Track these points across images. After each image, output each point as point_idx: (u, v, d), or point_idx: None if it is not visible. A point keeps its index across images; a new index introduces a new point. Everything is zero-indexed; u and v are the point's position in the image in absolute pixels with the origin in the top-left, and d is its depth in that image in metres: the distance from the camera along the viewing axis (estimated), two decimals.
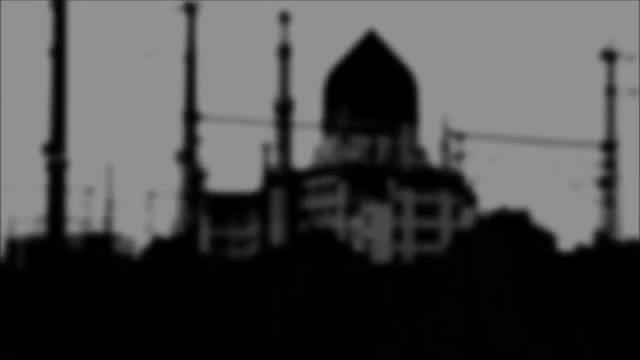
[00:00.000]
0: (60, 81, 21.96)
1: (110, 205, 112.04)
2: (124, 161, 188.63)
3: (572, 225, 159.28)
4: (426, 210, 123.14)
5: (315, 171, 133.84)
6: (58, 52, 22.00)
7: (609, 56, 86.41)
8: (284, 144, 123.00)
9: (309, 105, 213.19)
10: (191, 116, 47.95)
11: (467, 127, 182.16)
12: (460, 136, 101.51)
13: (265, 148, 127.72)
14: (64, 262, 21.75)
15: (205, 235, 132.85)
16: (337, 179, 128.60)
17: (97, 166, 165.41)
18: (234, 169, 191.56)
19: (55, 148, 21.40)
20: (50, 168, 21.69)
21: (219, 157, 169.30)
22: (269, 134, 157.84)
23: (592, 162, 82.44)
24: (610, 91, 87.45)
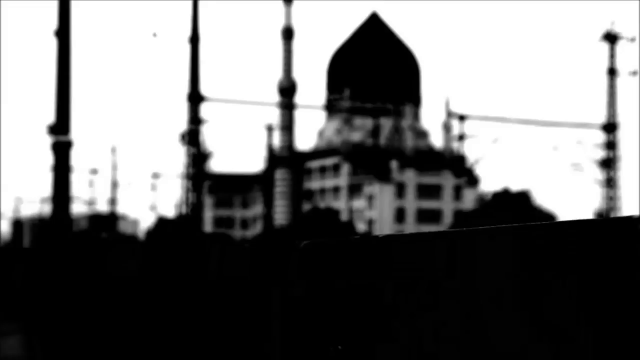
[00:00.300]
0: (64, 62, 21.97)
1: (114, 186, 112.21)
2: (130, 143, 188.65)
3: (572, 205, 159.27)
4: (428, 191, 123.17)
5: (319, 152, 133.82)
6: (62, 34, 22.05)
7: (611, 38, 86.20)
8: (287, 125, 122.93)
9: (314, 88, 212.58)
10: (194, 97, 47.98)
11: (469, 110, 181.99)
12: (462, 118, 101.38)
13: (270, 130, 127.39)
14: (69, 240, 21.77)
15: (209, 216, 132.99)
16: (340, 160, 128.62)
17: (103, 148, 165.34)
18: (241, 150, 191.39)
19: (60, 128, 21.47)
20: (55, 148, 21.78)
21: (226, 139, 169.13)
22: (275, 116, 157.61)
23: (592, 143, 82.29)
24: (612, 73, 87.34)
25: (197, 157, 53.39)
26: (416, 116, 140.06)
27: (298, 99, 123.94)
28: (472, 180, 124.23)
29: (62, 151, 21.33)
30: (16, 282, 21.48)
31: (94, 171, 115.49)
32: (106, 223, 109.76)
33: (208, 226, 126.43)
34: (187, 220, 53.47)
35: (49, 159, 22.77)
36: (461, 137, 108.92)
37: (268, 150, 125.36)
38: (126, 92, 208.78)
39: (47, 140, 22.47)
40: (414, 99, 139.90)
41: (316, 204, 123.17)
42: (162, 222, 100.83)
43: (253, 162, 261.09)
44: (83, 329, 7.95)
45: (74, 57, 22.57)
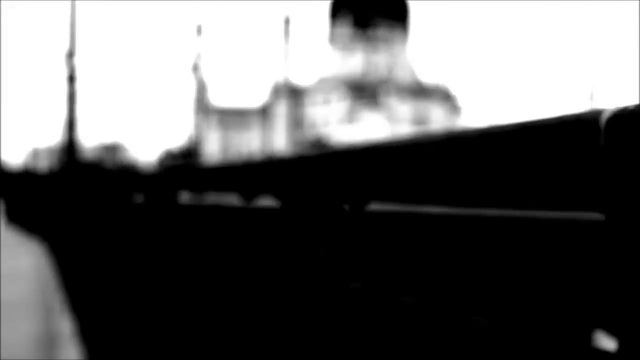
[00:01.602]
0: None
1: (124, 117, 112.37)
2: (139, 75, 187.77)
3: None
4: (420, 122, 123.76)
5: (318, 83, 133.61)
6: None
7: None
8: (287, 55, 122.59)
9: (319, 21, 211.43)
10: (197, 31, 47.80)
11: (456, 46, 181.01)
12: (447, 52, 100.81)
13: (271, 61, 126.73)
14: (79, 165, 22.11)
15: (214, 147, 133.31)
16: (337, 91, 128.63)
17: (112, 80, 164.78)
18: (244, 83, 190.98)
19: (70, 57, 21.66)
20: (68, 78, 21.98)
21: (229, 71, 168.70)
22: (279, 49, 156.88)
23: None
24: None
25: (197, 88, 53.58)
26: (407, 51, 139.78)
27: (303, 32, 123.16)
28: (457, 110, 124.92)
29: (70, 82, 21.53)
30: (32, 202, 21.82)
31: (103, 102, 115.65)
32: (113, 154, 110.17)
33: (215, 153, 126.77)
34: (192, 147, 53.91)
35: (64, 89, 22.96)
36: (448, 71, 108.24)
37: (271, 82, 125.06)
38: (139, 25, 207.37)
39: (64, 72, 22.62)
40: (404, 34, 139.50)
41: (315, 134, 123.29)
42: (169, 153, 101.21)
43: (255, 94, 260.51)
44: (91, 245, 8.25)
45: None
